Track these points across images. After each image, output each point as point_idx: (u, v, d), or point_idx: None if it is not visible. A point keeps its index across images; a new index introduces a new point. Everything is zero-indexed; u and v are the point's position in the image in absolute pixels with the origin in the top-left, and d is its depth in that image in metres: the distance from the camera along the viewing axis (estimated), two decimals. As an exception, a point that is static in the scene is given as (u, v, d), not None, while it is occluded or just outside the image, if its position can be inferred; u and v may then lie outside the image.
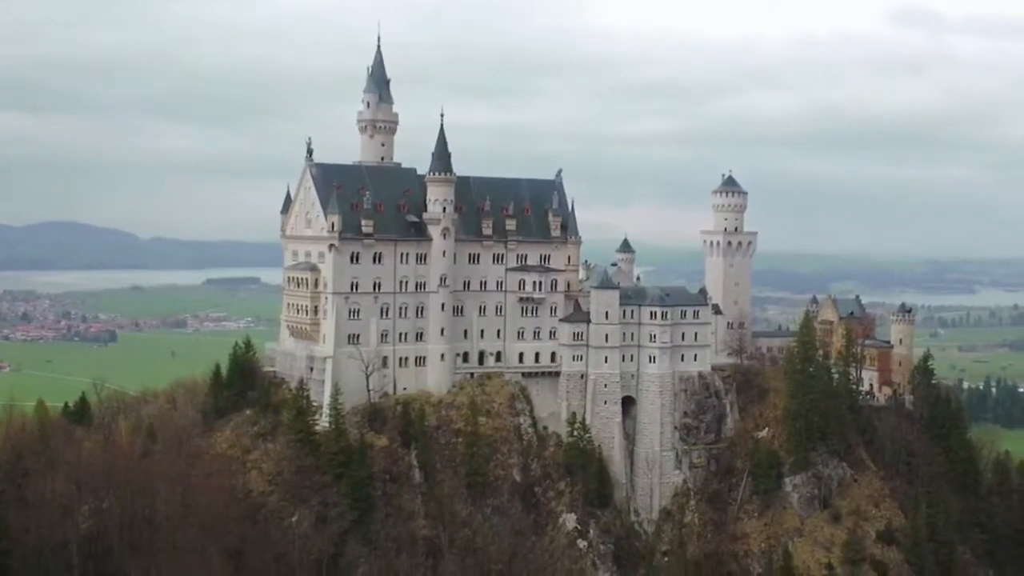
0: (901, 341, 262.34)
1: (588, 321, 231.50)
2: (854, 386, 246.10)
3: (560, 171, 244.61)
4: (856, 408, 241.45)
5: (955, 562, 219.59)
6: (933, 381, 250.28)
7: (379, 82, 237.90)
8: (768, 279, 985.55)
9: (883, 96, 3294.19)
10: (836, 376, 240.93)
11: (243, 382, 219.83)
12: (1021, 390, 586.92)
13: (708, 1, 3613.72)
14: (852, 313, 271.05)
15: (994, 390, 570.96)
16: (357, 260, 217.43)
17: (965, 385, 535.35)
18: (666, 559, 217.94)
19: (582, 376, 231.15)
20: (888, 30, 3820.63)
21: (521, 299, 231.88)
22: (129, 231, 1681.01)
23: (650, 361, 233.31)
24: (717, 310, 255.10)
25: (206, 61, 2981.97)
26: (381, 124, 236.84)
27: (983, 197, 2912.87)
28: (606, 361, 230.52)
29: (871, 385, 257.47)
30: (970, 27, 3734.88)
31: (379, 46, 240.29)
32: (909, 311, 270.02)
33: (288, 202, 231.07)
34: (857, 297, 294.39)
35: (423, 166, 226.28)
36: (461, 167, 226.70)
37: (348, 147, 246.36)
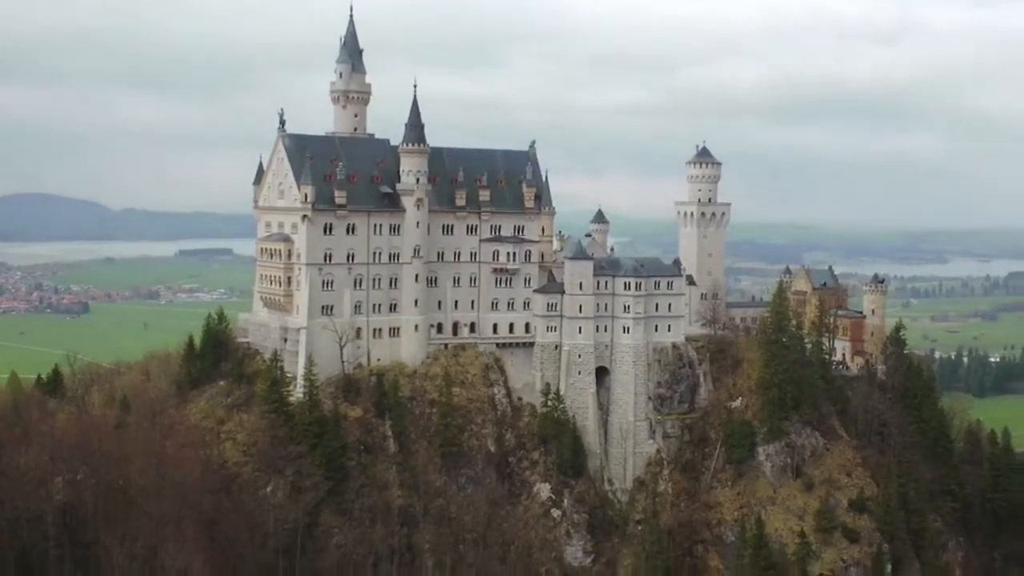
0: (873, 311, 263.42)
1: (562, 292, 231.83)
2: (827, 356, 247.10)
3: (533, 142, 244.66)
4: (829, 378, 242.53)
5: (926, 530, 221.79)
6: (905, 351, 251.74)
7: (352, 52, 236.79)
8: (741, 250, 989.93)
9: (853, 66, 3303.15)
10: (809, 346, 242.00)
11: (216, 353, 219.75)
12: (992, 360, 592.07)
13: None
14: (825, 284, 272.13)
15: (966, 360, 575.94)
16: (330, 231, 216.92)
17: (937, 355, 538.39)
18: (640, 528, 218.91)
19: (556, 347, 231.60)
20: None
21: (495, 270, 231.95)
22: (100, 202, 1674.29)
23: (624, 332, 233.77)
24: (691, 281, 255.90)
25: (173, 31, 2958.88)
26: (354, 95, 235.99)
27: (954, 167, 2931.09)
28: (580, 332, 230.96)
29: (844, 355, 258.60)
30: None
31: (351, 16, 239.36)
32: (882, 281, 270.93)
33: (260, 173, 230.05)
34: (830, 268, 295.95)
35: (396, 137, 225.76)
36: (433, 138, 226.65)
37: (320, 118, 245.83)
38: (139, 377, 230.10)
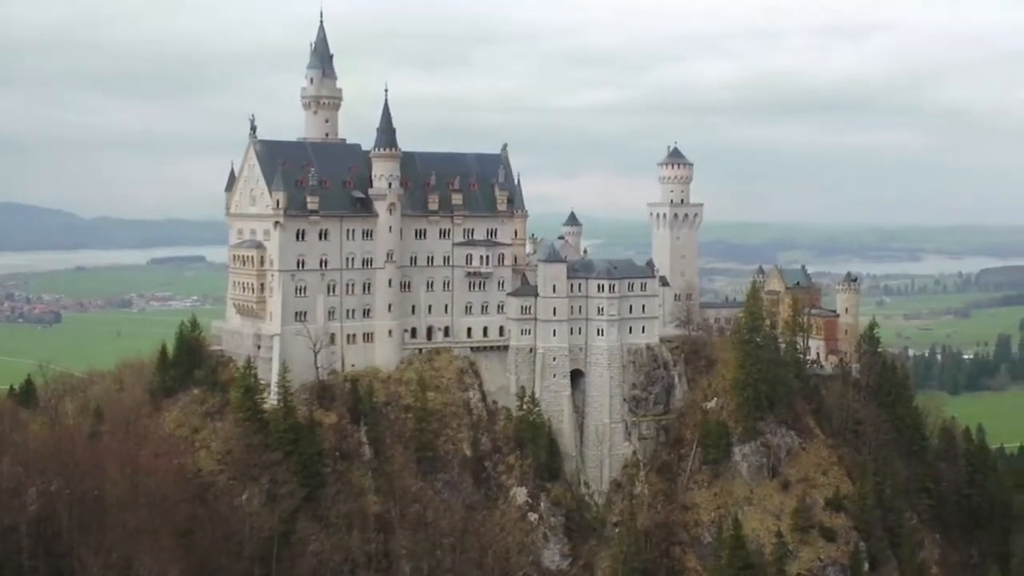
0: (847, 310, 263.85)
1: (536, 295, 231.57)
2: (801, 355, 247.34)
3: (505, 145, 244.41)
4: (803, 377, 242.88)
5: (902, 527, 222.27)
6: (879, 349, 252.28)
7: (323, 58, 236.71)
8: (715, 250, 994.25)
9: (826, 62, 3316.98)
10: (783, 346, 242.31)
11: (190, 361, 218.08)
12: (966, 357, 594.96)
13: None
14: (798, 283, 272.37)
15: (939, 357, 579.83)
16: (303, 237, 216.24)
17: (911, 352, 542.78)
18: (616, 530, 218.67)
19: (531, 350, 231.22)
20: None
21: (469, 274, 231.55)
22: (71, 211, 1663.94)
23: (598, 334, 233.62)
24: (664, 282, 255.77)
25: (143, 35, 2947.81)
26: (325, 100, 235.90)
27: (927, 162, 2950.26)
28: (554, 335, 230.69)
29: (818, 354, 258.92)
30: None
31: (322, 22, 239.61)
32: (855, 280, 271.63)
33: (232, 180, 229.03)
34: (803, 267, 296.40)
35: (367, 141, 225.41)
36: (405, 142, 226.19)
37: (294, 119, 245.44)
38: (112, 386, 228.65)
